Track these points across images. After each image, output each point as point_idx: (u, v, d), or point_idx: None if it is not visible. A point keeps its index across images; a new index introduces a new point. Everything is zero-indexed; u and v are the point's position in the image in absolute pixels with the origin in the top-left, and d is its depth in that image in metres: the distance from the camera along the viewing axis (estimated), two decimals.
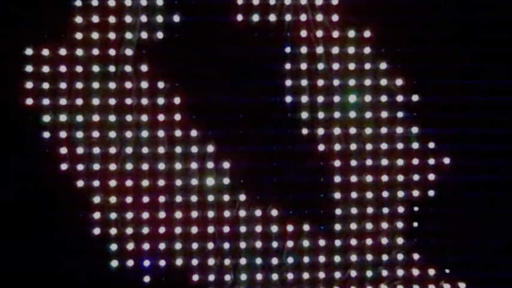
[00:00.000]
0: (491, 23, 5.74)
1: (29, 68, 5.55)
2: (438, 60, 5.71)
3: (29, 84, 5.56)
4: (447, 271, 5.79)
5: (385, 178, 5.74)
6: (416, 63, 5.70)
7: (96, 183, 5.64)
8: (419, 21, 5.73)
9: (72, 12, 5.58)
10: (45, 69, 5.58)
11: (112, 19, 5.63)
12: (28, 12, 5.58)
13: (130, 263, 5.67)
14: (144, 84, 5.65)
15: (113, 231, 5.65)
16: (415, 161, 5.74)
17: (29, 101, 5.55)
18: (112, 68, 5.62)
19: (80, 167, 5.62)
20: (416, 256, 5.80)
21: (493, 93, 5.75)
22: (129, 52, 5.63)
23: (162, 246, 5.69)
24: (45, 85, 5.58)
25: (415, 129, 5.74)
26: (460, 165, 5.75)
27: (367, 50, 5.71)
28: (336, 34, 5.69)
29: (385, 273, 5.79)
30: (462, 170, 5.75)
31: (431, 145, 5.75)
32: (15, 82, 5.55)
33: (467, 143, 5.74)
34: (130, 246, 5.66)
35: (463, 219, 5.78)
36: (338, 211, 5.75)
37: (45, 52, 5.57)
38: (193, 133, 5.68)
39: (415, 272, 5.78)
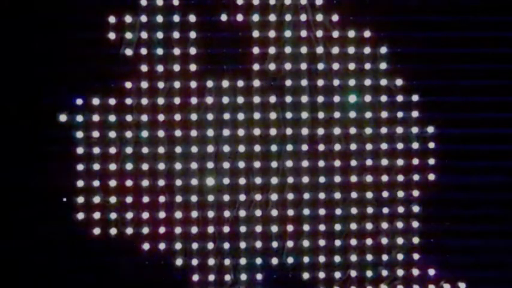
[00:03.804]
0: (491, 23, 5.73)
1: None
2: (438, 60, 5.70)
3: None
4: (447, 271, 5.80)
5: (385, 178, 5.74)
6: (416, 63, 5.70)
7: (96, 183, 5.65)
8: (419, 21, 5.72)
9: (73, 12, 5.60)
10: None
11: (112, 19, 5.63)
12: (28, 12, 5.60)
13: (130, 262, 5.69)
14: (144, 85, 5.66)
15: (113, 231, 5.67)
16: (415, 161, 5.74)
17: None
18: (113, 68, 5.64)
19: (80, 167, 5.62)
20: (416, 256, 5.80)
21: (493, 93, 5.75)
22: (129, 52, 5.63)
23: (162, 246, 5.70)
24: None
25: (415, 129, 5.74)
26: (460, 165, 5.75)
27: (367, 50, 5.71)
28: (336, 34, 5.69)
29: (385, 273, 5.79)
30: (462, 170, 5.75)
31: (431, 145, 5.75)
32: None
33: (467, 143, 5.74)
34: (130, 246, 5.67)
35: (463, 219, 5.77)
36: (338, 211, 5.75)
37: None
38: (193, 133, 5.68)
39: (415, 272, 5.79)
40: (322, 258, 5.78)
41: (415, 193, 5.74)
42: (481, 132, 5.75)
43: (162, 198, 5.70)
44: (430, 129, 5.72)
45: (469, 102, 5.72)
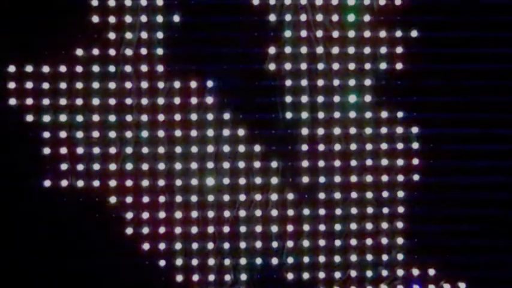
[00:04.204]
0: (491, 23, 5.73)
1: (28, 68, 5.56)
2: (438, 60, 5.71)
3: (29, 84, 5.57)
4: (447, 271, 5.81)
5: (385, 178, 5.74)
6: (416, 64, 5.71)
7: (96, 183, 5.65)
8: (419, 21, 5.72)
9: (72, 12, 5.60)
10: (45, 69, 5.59)
11: (112, 19, 5.63)
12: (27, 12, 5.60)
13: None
14: (144, 84, 5.66)
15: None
16: (415, 161, 5.74)
17: (29, 101, 5.57)
18: (112, 68, 5.63)
19: (80, 167, 5.63)
20: (416, 256, 5.80)
21: (493, 93, 5.75)
22: (129, 52, 5.64)
23: (162, 246, 5.70)
24: (45, 85, 5.59)
25: (415, 129, 5.75)
26: (460, 166, 5.75)
27: (367, 50, 5.71)
28: (336, 34, 5.69)
29: (385, 273, 5.79)
30: (462, 170, 5.75)
31: (431, 145, 5.76)
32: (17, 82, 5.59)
33: (467, 143, 5.74)
34: (130, 246, 5.68)
35: (463, 219, 5.78)
36: (338, 211, 5.75)
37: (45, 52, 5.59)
38: (194, 133, 5.68)
39: (415, 272, 5.79)
40: (322, 258, 5.78)
41: (415, 193, 5.75)
42: (481, 133, 5.75)
43: (162, 198, 5.70)
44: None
45: (469, 102, 5.72)
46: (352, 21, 5.67)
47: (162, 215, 5.70)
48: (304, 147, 5.71)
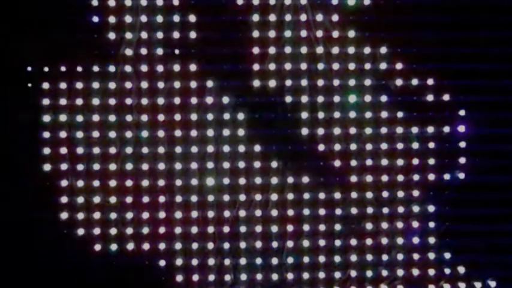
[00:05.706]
0: (491, 22, 5.73)
1: (28, 68, 5.57)
2: (438, 60, 5.70)
3: (29, 84, 5.59)
4: (447, 271, 5.80)
5: (385, 178, 5.74)
6: (416, 63, 5.70)
7: (96, 183, 5.65)
8: (419, 21, 5.72)
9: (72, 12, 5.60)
10: (45, 69, 5.60)
11: (112, 19, 5.64)
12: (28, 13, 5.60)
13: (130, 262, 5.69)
14: (144, 84, 5.66)
15: (113, 231, 5.67)
16: (415, 161, 5.74)
17: (29, 101, 5.58)
18: (112, 68, 5.64)
19: (80, 167, 5.63)
20: (416, 256, 5.80)
21: (493, 93, 5.74)
22: (129, 52, 5.64)
23: (162, 246, 5.70)
24: (45, 85, 5.60)
25: (415, 129, 5.74)
26: (460, 165, 5.75)
27: (367, 50, 5.71)
28: (336, 34, 5.69)
29: (385, 273, 5.79)
30: (462, 170, 5.75)
31: (432, 145, 5.75)
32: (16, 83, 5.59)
33: (467, 143, 5.74)
34: (130, 246, 5.68)
35: (464, 219, 5.77)
36: (338, 211, 5.75)
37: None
38: (193, 133, 5.68)
39: (415, 272, 5.79)
40: (322, 258, 5.78)
41: (415, 193, 5.75)
42: (480, 132, 5.74)
43: (162, 198, 5.70)
44: (430, 129, 5.72)
45: (469, 102, 5.72)
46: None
47: (162, 215, 5.70)
48: (304, 147, 5.72)
